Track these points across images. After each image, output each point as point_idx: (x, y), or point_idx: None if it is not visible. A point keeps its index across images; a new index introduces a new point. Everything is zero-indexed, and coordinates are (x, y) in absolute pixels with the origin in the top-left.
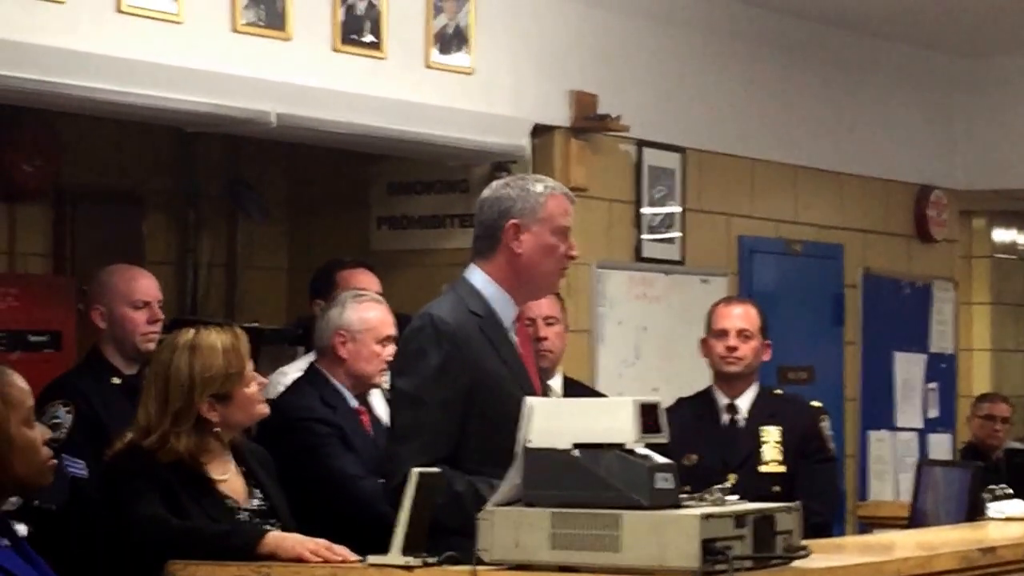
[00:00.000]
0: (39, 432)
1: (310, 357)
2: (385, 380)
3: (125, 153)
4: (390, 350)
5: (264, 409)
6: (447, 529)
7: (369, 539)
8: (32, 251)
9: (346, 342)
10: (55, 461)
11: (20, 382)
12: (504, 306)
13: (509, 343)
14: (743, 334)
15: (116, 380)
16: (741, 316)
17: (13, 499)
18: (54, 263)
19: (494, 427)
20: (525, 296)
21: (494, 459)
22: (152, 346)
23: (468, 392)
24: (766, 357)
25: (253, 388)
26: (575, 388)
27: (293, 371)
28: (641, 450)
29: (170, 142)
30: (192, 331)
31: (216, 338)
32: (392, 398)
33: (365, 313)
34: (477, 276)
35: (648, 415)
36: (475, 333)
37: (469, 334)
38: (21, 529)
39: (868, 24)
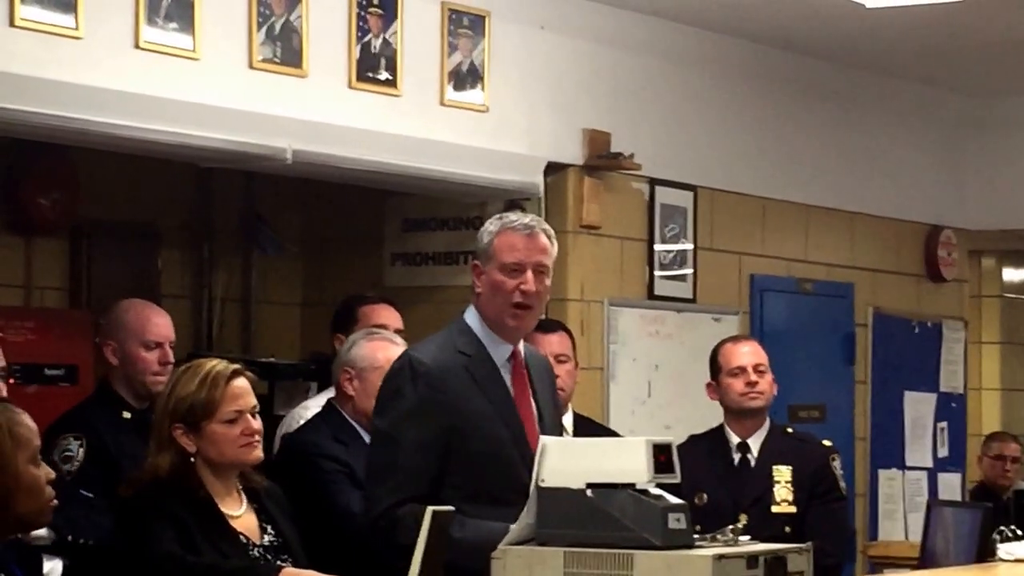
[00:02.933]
0: (44, 471)
1: (330, 393)
2: None
3: (141, 188)
4: None
5: (253, 455)
6: (466, 568)
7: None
8: (48, 285)
9: (352, 379)
10: (56, 502)
11: (28, 421)
12: (495, 345)
13: (499, 382)
14: (758, 369)
15: (127, 414)
16: (754, 352)
17: (45, 533)
18: (70, 297)
19: (475, 467)
20: (503, 335)
21: (476, 499)
22: (161, 388)
23: (447, 432)
24: (775, 392)
25: (232, 429)
26: (586, 425)
27: (315, 406)
28: (654, 490)
29: (186, 177)
30: (199, 360)
31: (203, 369)
32: (371, 436)
33: (372, 351)
34: (472, 315)
35: (661, 455)
36: (458, 373)
37: (449, 374)
38: (56, 565)
39: (879, 64)
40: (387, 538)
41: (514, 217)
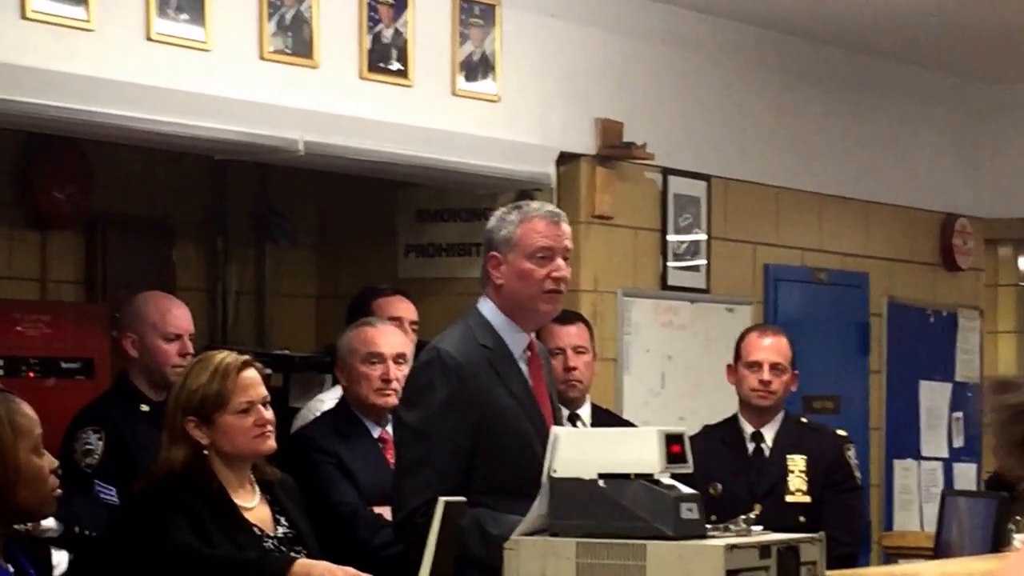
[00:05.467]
0: (47, 461)
1: None
2: (390, 400)
3: (155, 181)
4: (380, 369)
5: (266, 445)
6: (475, 559)
7: (395, 569)
8: (63, 278)
9: (342, 370)
10: (60, 491)
11: (28, 410)
12: (513, 336)
13: (519, 374)
14: (776, 368)
15: (145, 407)
16: (774, 349)
17: (54, 525)
18: (85, 290)
19: (500, 460)
20: (526, 324)
21: (501, 492)
22: None
23: (475, 426)
24: (793, 388)
25: (244, 420)
26: (604, 417)
27: (330, 399)
28: (667, 480)
29: (199, 169)
30: (208, 353)
31: (214, 361)
32: (399, 432)
33: (350, 340)
34: (487, 307)
35: (674, 445)
36: (483, 365)
37: (476, 367)
38: (62, 557)
39: (893, 51)
40: (425, 534)
41: (535, 205)
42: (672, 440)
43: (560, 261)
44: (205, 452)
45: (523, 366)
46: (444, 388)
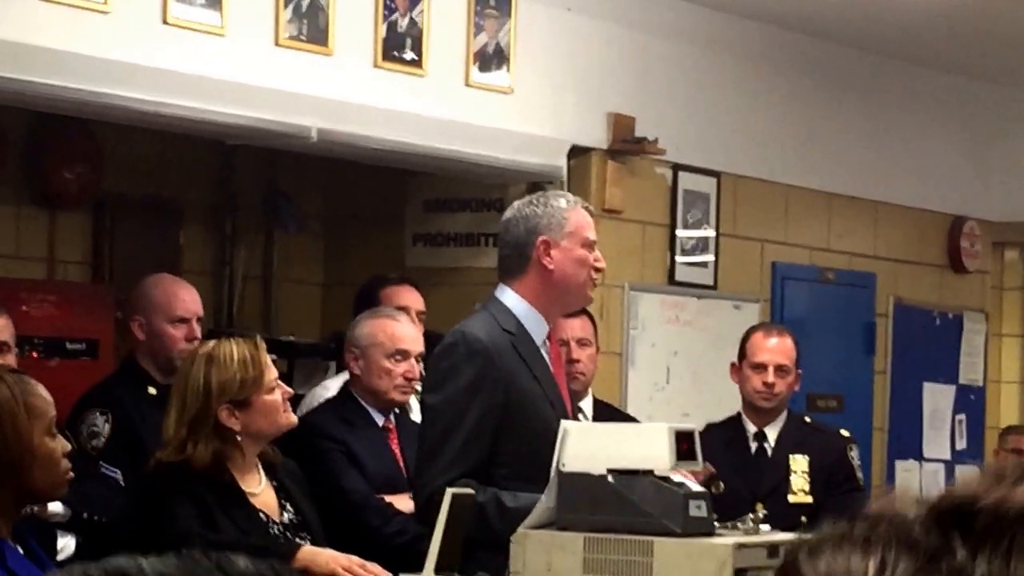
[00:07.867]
0: (60, 444)
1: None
2: (408, 397)
3: (165, 163)
4: (405, 366)
5: (291, 418)
6: (480, 546)
7: (403, 557)
8: (71, 259)
9: (357, 358)
10: (73, 474)
11: (43, 392)
12: (535, 324)
13: (542, 360)
14: (781, 370)
15: (152, 390)
16: (780, 350)
17: (60, 509)
18: (92, 271)
19: (524, 444)
20: (558, 311)
21: (524, 475)
22: None
23: (500, 408)
24: (796, 387)
25: (276, 396)
26: (605, 410)
27: (334, 386)
28: (676, 477)
29: (210, 154)
30: (212, 342)
31: (234, 347)
32: (423, 414)
33: (372, 329)
34: (508, 295)
35: (684, 442)
36: (508, 350)
37: (502, 351)
38: (69, 541)
39: (905, 52)
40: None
41: (572, 197)
42: (682, 437)
43: (597, 251)
44: (239, 437)
45: (544, 353)
46: (469, 370)
